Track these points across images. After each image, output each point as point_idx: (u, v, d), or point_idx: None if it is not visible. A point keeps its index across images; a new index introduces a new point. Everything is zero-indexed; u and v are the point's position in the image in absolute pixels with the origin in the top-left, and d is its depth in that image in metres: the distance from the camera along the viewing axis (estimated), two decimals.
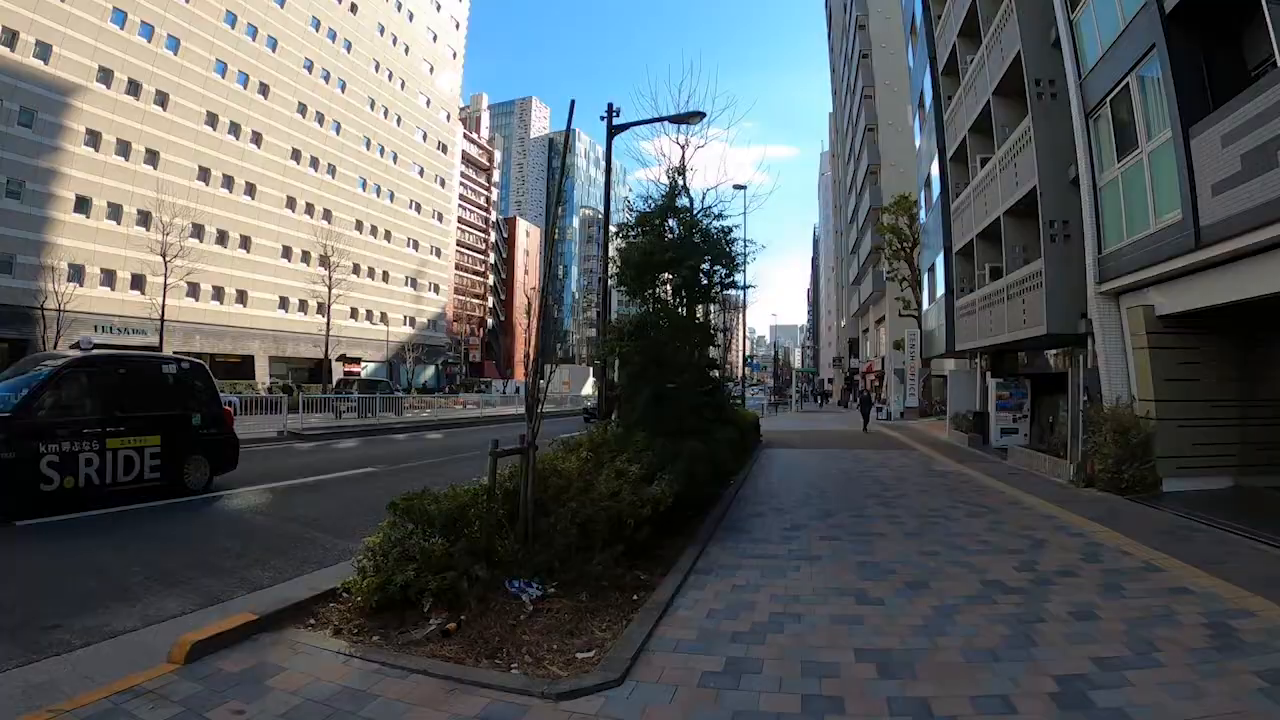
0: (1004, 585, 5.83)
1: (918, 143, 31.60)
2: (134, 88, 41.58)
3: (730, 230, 9.97)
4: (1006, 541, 7.64)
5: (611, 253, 10.00)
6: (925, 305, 29.64)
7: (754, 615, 5.08)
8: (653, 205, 9.53)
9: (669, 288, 10.09)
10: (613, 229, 9.83)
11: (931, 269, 27.20)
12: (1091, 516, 9.13)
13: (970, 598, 5.46)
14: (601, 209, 11.39)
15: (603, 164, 16.69)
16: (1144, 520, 8.98)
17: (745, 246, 10.84)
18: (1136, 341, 11.75)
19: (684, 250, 9.01)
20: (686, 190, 12.31)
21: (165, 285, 35.28)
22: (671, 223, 9.47)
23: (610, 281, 10.43)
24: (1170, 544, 7.44)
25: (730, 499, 10.33)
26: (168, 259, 34.87)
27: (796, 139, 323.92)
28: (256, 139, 48.98)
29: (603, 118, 10.61)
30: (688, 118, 10.35)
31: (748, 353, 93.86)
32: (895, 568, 6.40)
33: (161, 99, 42.77)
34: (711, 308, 13.23)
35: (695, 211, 9.75)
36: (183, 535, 7.80)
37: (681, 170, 10.03)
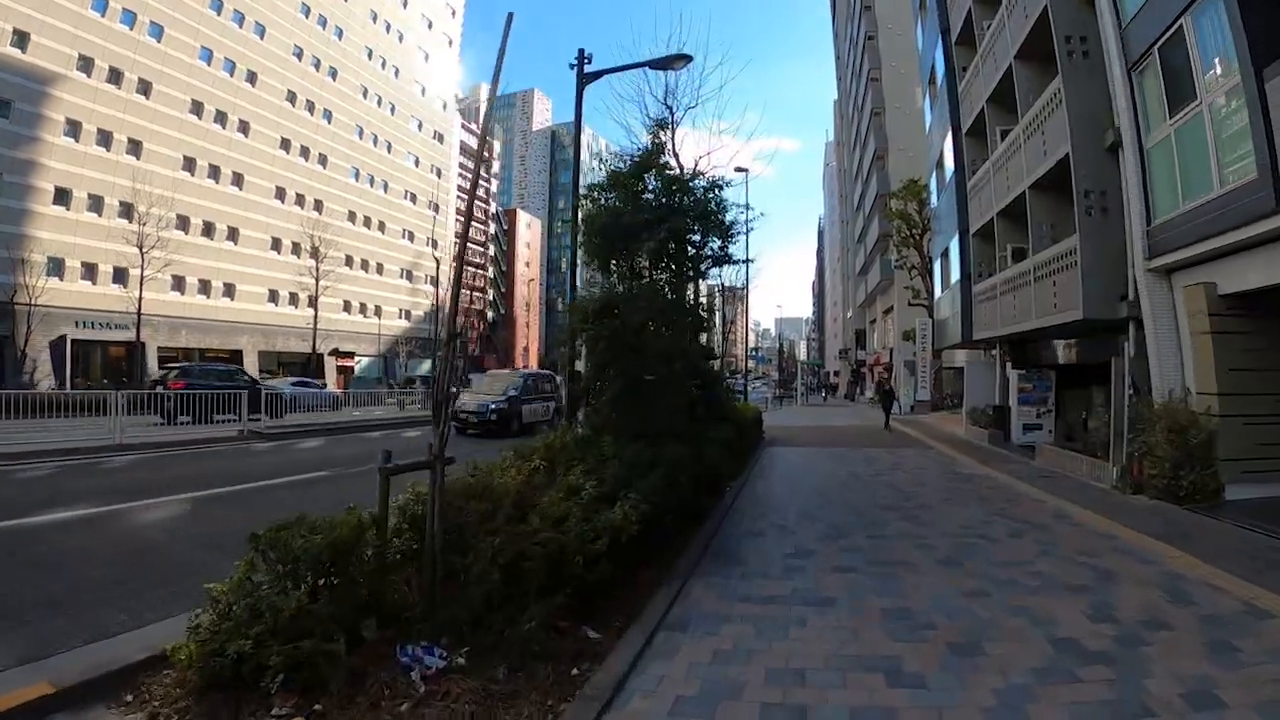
0: (1081, 648, 4.30)
1: (928, 122, 29.96)
2: (115, 76, 40.16)
3: (722, 188, 8.42)
4: (1065, 573, 6.10)
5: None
6: (938, 293, 28.03)
7: (739, 709, 3.57)
8: (630, 164, 7.97)
9: (648, 261, 8.56)
10: (582, 192, 8.26)
11: (944, 254, 25.59)
12: (1154, 534, 7.60)
13: (1041, 672, 3.94)
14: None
15: (607, 157, 15.35)
16: (1218, 539, 7.43)
17: (744, 214, 9.33)
18: (1195, 325, 10.18)
19: (663, 211, 7.47)
20: (677, 155, 10.80)
21: (142, 277, 33.96)
22: (651, 182, 7.90)
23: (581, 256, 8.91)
24: (1265, 574, 5.91)
25: (724, 512, 8.82)
26: (145, 250, 33.49)
27: (800, 132, 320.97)
28: (244, 128, 47.51)
29: (571, 65, 9.04)
30: (670, 62, 8.83)
31: (752, 345, 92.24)
32: (933, 619, 4.86)
33: (144, 87, 41.32)
34: (704, 287, 11.66)
35: (682, 172, 8.21)
36: (81, 552, 6.30)
37: (666, 126, 8.48)
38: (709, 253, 9.32)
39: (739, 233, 9.51)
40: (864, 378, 59.91)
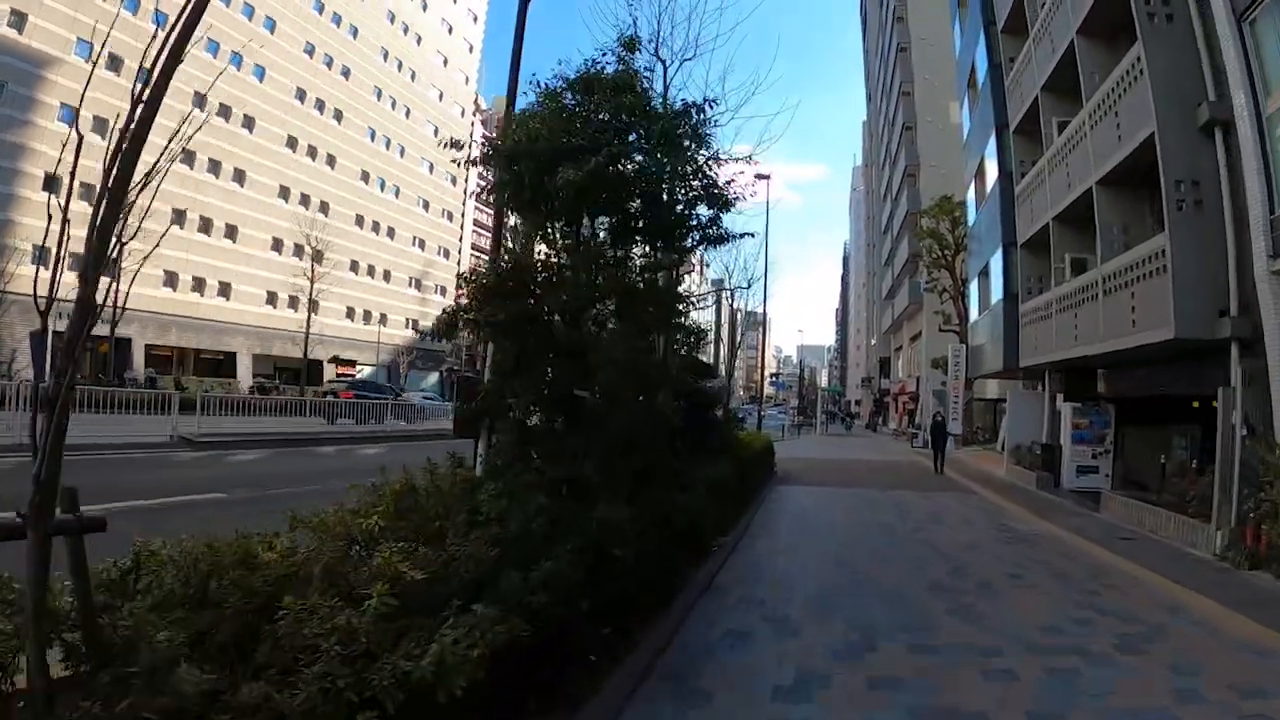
0: None
1: (966, 131, 27.48)
2: (115, 63, 38.77)
3: (705, 110, 5.98)
4: None
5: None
6: (973, 316, 25.32)
7: None
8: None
9: (608, 232, 6.13)
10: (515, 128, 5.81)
11: (983, 272, 22.95)
12: None
13: None
14: None
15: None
16: None
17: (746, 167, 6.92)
18: None
19: (606, 136, 5.05)
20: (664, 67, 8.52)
21: (118, 269, 32.15)
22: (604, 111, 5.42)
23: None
24: None
25: (700, 589, 6.20)
26: (124, 241, 31.64)
27: (826, 157, 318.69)
28: (249, 123, 46.01)
29: None
30: None
31: (772, 370, 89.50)
32: None
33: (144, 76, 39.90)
34: (695, 276, 9.18)
35: (650, 88, 5.79)
36: None
37: (634, 47, 6.06)
38: (695, 221, 6.88)
39: (736, 197, 7.08)
40: (887, 407, 56.97)
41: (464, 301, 5.04)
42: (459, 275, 4.95)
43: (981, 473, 18.67)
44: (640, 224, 6.53)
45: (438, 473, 4.55)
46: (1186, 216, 10.50)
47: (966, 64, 25.96)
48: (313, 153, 50.96)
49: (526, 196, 5.03)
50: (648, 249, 7.05)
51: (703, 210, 6.95)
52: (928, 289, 34.83)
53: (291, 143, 49.23)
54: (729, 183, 7.05)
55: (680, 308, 9.24)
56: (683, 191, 6.75)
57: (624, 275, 6.19)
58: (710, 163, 6.92)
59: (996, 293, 20.68)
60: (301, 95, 49.95)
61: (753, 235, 7.80)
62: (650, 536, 5.16)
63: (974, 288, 24.97)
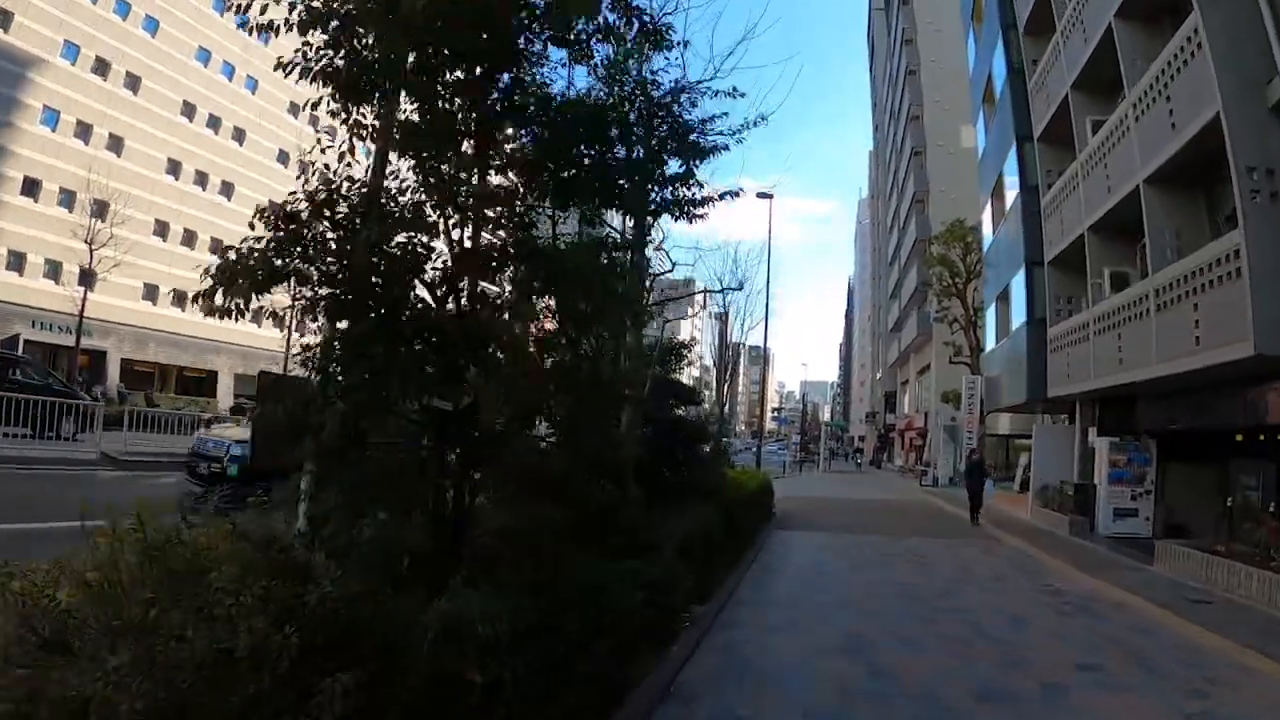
0: None
1: (981, 148, 25.94)
2: (102, 66, 37.82)
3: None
4: None
5: None
6: (989, 345, 23.46)
7: None
8: None
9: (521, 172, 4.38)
10: None
11: (1001, 297, 21.16)
12: None
13: None
14: None
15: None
16: None
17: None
18: None
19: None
20: None
21: (89, 276, 30.72)
22: None
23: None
24: None
25: (653, 699, 4.15)
26: (95, 247, 30.21)
27: (830, 193, 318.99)
28: (239, 136, 44.95)
29: None
30: None
31: (774, 405, 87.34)
32: None
33: (133, 83, 38.90)
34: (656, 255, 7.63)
35: None
36: None
37: None
38: (660, 173, 5.12)
39: (715, 146, 5.34)
40: (892, 443, 54.81)
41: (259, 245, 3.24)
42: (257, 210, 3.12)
43: (1003, 516, 16.65)
44: (577, 173, 4.76)
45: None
46: (1263, 208, 8.73)
47: (982, 76, 24.50)
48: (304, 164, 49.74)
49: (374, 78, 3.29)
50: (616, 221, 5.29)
51: (674, 163, 5.19)
52: (938, 319, 33.04)
53: (283, 157, 48.10)
54: (707, 121, 5.30)
55: (645, 302, 7.45)
56: (640, 129, 5.00)
57: (535, 236, 4.40)
58: (680, 96, 5.19)
59: (1018, 317, 18.86)
60: (295, 110, 48.95)
61: (737, 194, 5.99)
62: (568, 631, 3.26)
63: (990, 314, 23.15)
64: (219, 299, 3.19)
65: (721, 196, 6.04)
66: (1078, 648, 5.90)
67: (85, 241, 30.34)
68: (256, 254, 3.27)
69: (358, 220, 3.36)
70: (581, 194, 5.04)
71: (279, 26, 3.53)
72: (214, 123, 43.45)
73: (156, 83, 40.40)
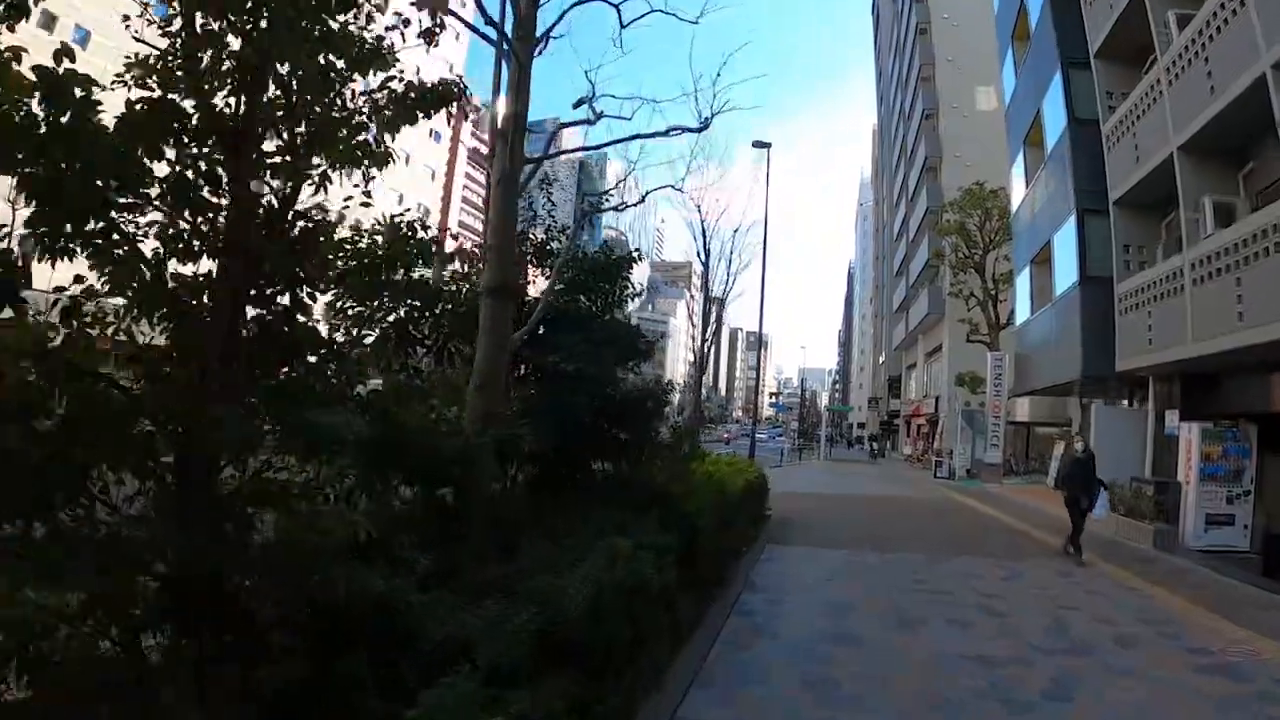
0: None
1: (1010, 92, 22.58)
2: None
3: None
4: None
5: None
6: (1020, 318, 20.21)
7: None
8: None
9: None
10: None
11: (1038, 259, 17.96)
12: None
13: None
14: None
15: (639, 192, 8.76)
16: None
17: None
18: None
19: None
20: None
21: None
22: None
23: None
24: None
25: None
26: None
27: (830, 178, 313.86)
28: None
29: None
30: None
31: (772, 390, 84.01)
32: None
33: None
34: None
35: None
36: None
37: None
38: None
39: None
40: (897, 430, 51.69)
41: None
42: None
43: (1052, 520, 13.46)
44: None
45: None
46: None
47: (1011, 7, 21.17)
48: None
49: None
50: None
51: None
52: (953, 294, 29.77)
53: None
54: None
55: None
56: None
57: None
58: None
59: (1064, 279, 15.67)
60: None
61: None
62: None
63: (1023, 281, 19.93)
64: None
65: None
66: None
67: None
68: None
69: None
70: None
71: None
72: None
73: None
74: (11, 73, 2.11)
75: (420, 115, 3.32)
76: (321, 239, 2.89)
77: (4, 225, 2.50)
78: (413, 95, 3.25)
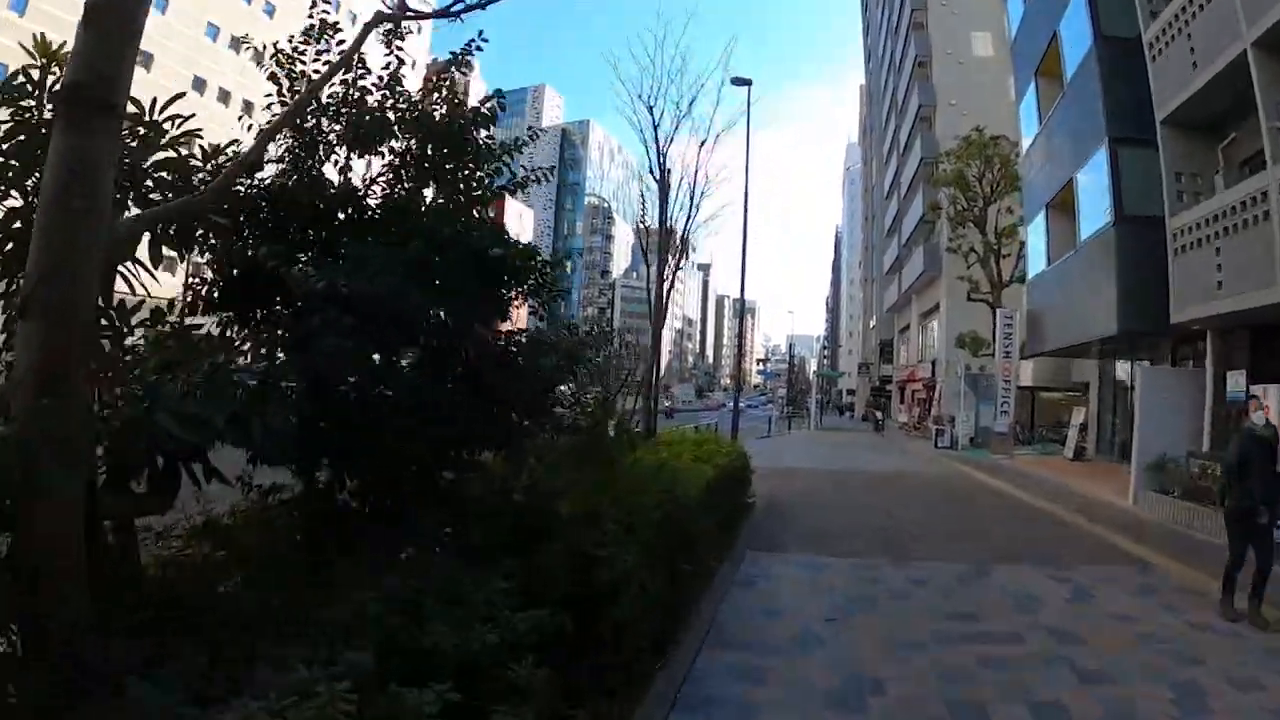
0: None
1: (1015, 23, 20.30)
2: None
3: None
4: None
5: None
6: (1036, 268, 18.15)
7: None
8: None
9: None
10: None
11: (1055, 203, 15.87)
12: None
13: None
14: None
15: (619, 156, 6.61)
16: None
17: None
18: None
19: None
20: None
21: None
22: None
23: None
24: None
25: None
26: None
27: (817, 141, 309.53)
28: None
29: None
30: None
31: (760, 357, 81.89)
32: None
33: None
34: None
35: None
36: None
37: None
38: None
39: None
40: (890, 397, 49.91)
41: None
42: None
43: (1092, 503, 11.51)
44: None
45: None
46: None
47: None
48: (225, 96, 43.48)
49: None
50: None
51: None
52: (951, 249, 27.72)
53: (198, 84, 41.71)
54: None
55: None
56: None
57: None
58: None
59: (1094, 220, 13.60)
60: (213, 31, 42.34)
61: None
62: None
63: (1036, 229, 17.88)
64: None
65: None
66: None
67: None
68: None
69: None
70: None
71: None
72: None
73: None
74: None
75: None
76: None
77: None
78: None
